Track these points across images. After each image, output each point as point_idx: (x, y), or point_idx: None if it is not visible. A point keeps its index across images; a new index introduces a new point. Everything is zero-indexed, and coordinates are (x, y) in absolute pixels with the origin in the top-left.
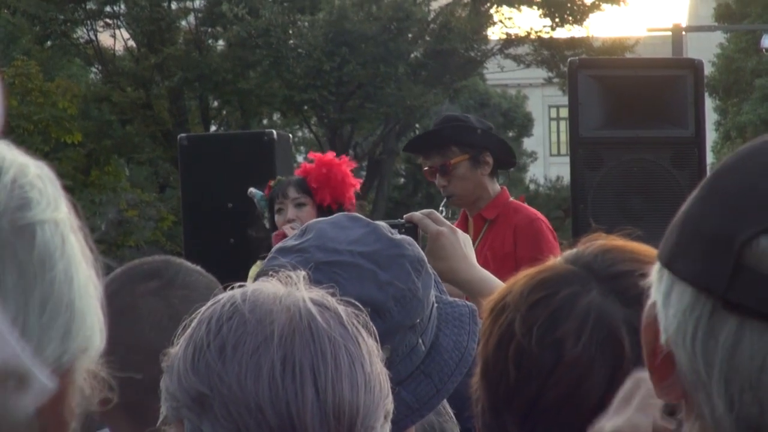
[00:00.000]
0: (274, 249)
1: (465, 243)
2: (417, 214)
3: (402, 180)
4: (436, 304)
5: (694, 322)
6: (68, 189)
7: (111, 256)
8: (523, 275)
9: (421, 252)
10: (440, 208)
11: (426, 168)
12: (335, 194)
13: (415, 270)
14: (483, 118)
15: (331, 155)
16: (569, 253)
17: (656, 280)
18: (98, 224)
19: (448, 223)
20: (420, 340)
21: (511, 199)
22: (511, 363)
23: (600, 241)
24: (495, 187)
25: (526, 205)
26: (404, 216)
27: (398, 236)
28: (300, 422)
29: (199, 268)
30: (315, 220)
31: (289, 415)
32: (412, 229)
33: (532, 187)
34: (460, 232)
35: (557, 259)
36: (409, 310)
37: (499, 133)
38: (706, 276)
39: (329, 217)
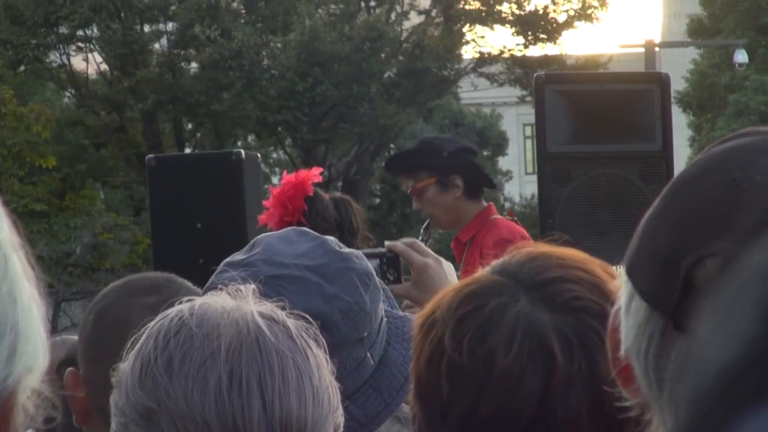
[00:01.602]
0: (222, 263)
1: (450, 273)
2: (400, 245)
3: (377, 200)
4: (385, 318)
5: (647, 339)
6: (43, 213)
7: (87, 280)
8: (451, 289)
9: (369, 265)
10: (421, 231)
11: (408, 190)
12: (288, 211)
13: (362, 283)
14: (459, 138)
15: (302, 173)
16: (496, 263)
17: (623, 284)
18: (73, 248)
19: (433, 253)
20: (368, 354)
21: (495, 216)
22: (444, 378)
23: (526, 248)
24: (473, 207)
25: (507, 221)
26: (386, 245)
27: (346, 250)
28: None
29: (199, 290)
30: (263, 234)
31: (236, 429)
32: (393, 259)
33: (507, 205)
34: (444, 261)
35: (484, 270)
36: (357, 324)
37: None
38: (657, 295)
39: (278, 231)
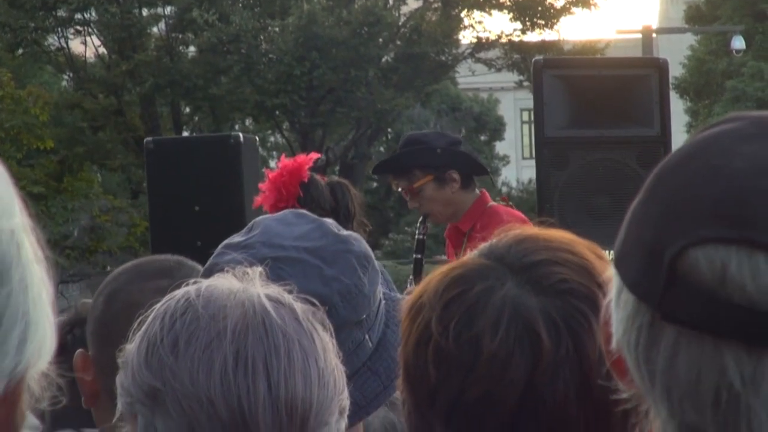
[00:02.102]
0: (221, 245)
1: None
2: None
3: (374, 184)
4: (383, 301)
5: (636, 331)
6: (41, 196)
7: (84, 262)
8: (438, 273)
9: (368, 248)
10: (418, 225)
11: (399, 189)
12: (283, 197)
13: (361, 266)
14: (456, 124)
15: (300, 158)
16: (483, 246)
17: (614, 275)
18: (71, 230)
19: None
20: (366, 337)
21: (491, 203)
22: (431, 363)
23: (513, 231)
24: (469, 197)
25: (506, 208)
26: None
27: (345, 232)
28: (251, 417)
29: None
30: (262, 216)
31: (241, 409)
32: None
33: (504, 190)
34: None
35: (472, 253)
36: (355, 306)
37: (471, 138)
38: (642, 287)
39: (276, 214)
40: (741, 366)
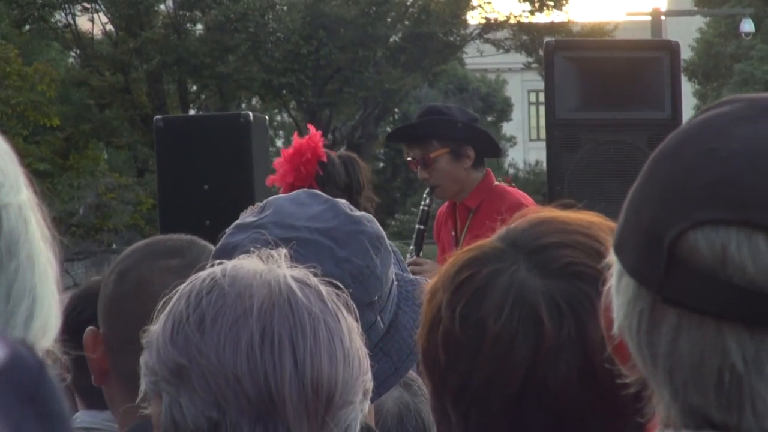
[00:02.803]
0: (233, 225)
1: None
2: None
3: (381, 164)
4: (396, 282)
5: (638, 315)
6: (47, 173)
7: (89, 240)
8: (455, 256)
9: (381, 229)
10: (424, 196)
11: (409, 159)
12: (302, 176)
13: (373, 247)
14: (463, 104)
15: (314, 136)
16: (501, 230)
17: (614, 262)
18: (77, 208)
19: None
20: (378, 318)
21: (496, 182)
22: (440, 347)
23: (532, 214)
24: (478, 176)
25: (512, 188)
26: None
27: (357, 213)
28: (278, 394)
29: None
30: (274, 196)
31: (267, 386)
32: None
33: (511, 171)
34: None
35: (490, 237)
36: (367, 287)
37: (479, 120)
38: (642, 271)
39: (289, 194)
40: (743, 347)
